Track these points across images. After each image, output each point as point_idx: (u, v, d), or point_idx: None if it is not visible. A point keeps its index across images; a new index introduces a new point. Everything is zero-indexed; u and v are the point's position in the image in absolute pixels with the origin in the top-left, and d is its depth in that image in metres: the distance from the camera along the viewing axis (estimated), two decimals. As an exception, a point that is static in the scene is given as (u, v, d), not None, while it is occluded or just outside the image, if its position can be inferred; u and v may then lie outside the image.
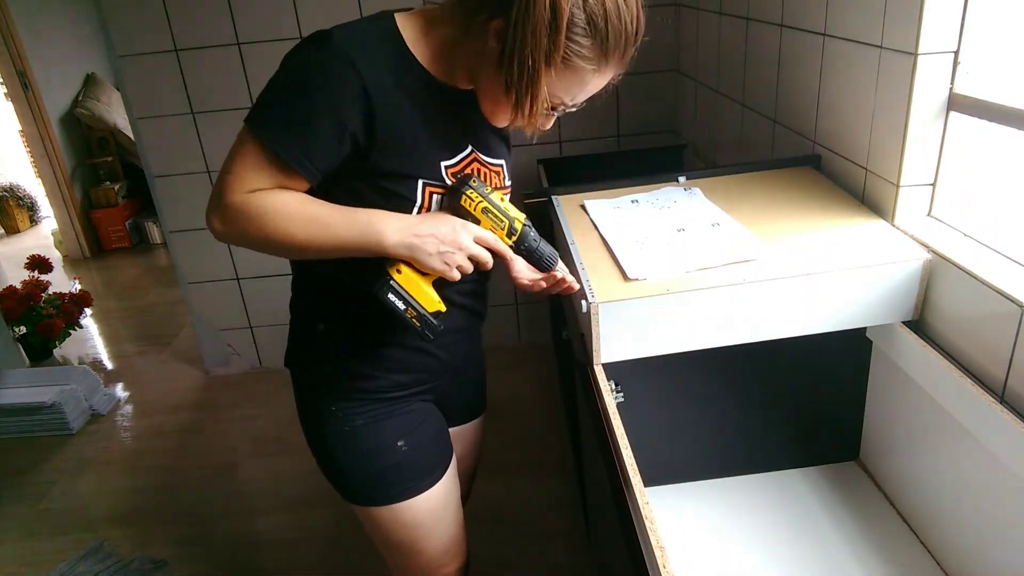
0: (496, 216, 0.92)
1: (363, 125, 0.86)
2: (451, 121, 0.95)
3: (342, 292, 1.02)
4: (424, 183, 0.92)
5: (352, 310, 1.02)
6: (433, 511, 1.12)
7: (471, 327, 1.13)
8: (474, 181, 0.92)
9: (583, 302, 1.03)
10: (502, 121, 0.93)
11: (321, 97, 0.85)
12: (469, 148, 0.98)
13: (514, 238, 0.94)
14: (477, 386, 1.33)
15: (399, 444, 1.07)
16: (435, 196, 0.94)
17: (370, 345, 1.04)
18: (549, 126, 0.93)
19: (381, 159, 0.89)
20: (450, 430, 1.21)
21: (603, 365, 1.08)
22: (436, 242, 0.89)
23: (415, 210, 0.93)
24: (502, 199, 0.93)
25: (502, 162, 1.05)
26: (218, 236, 0.91)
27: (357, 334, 1.04)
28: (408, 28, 0.92)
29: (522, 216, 0.95)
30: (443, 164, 0.94)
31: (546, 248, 0.97)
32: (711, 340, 1.07)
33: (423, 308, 0.92)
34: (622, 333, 1.04)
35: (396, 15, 0.93)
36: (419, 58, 0.91)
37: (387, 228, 0.88)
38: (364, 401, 1.06)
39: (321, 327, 1.06)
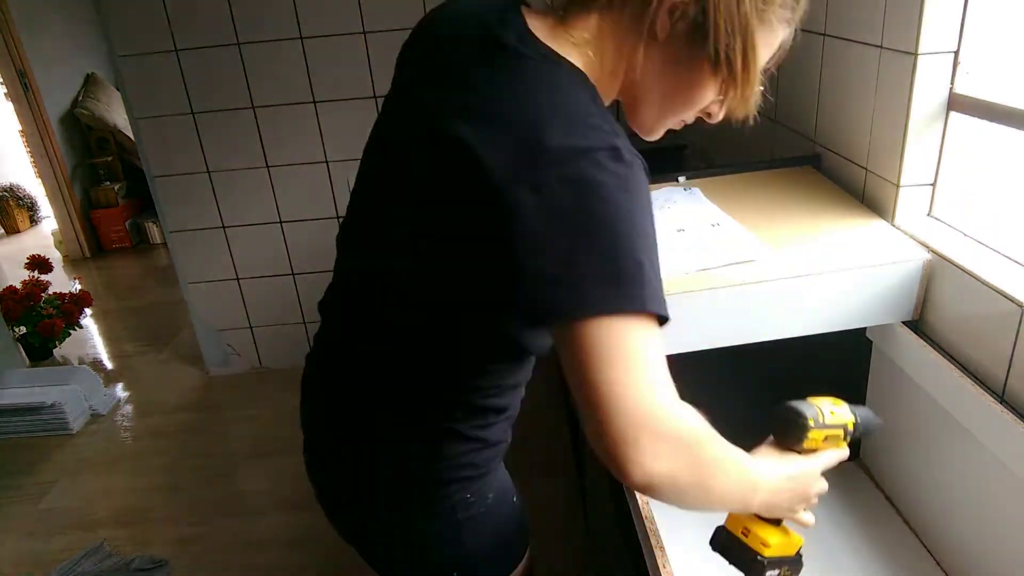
0: (834, 434, 0.82)
1: None
2: None
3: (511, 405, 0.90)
4: None
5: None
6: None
7: None
8: (809, 420, 0.80)
9: None
10: (670, 123, 0.79)
11: (650, 220, 0.63)
12: None
13: (848, 439, 0.84)
14: None
15: (514, 499, 0.96)
16: None
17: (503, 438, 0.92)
18: (721, 116, 0.78)
19: None
20: None
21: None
22: (798, 501, 0.78)
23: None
24: (832, 412, 0.82)
25: None
26: (654, 484, 0.61)
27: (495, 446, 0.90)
28: (586, 67, 0.70)
29: (847, 413, 0.84)
30: None
31: (873, 420, 0.86)
32: (711, 341, 1.07)
33: (791, 555, 0.82)
34: None
35: (561, 58, 0.69)
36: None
37: (762, 490, 0.73)
38: (491, 463, 0.90)
39: (479, 402, 0.86)
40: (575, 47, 0.70)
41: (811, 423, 0.79)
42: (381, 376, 0.84)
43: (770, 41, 0.72)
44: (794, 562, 0.82)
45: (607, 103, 0.73)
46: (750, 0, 0.66)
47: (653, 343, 0.60)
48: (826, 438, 0.81)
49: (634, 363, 0.59)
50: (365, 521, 0.92)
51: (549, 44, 0.69)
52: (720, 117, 0.79)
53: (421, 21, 0.82)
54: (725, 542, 0.82)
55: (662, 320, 0.61)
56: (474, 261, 0.69)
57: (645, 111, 0.76)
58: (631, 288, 0.59)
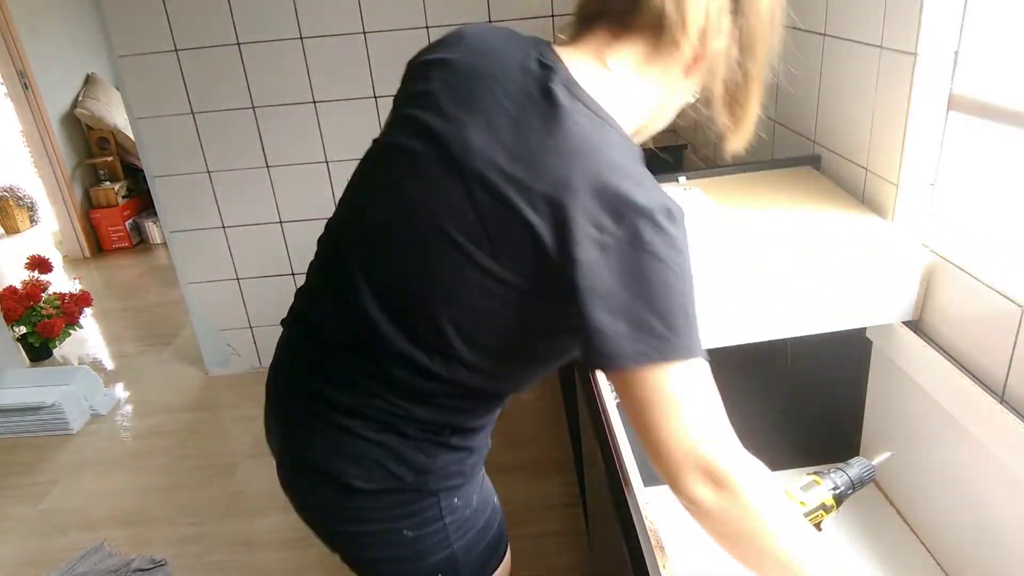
0: (811, 521, 0.87)
1: None
2: None
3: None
4: None
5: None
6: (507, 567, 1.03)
7: None
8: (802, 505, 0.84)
9: None
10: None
11: (691, 269, 0.69)
12: None
13: (831, 512, 0.89)
14: None
15: (495, 501, 0.98)
16: None
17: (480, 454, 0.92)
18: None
19: None
20: None
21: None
22: None
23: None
24: (802, 503, 0.86)
25: None
26: (701, 512, 0.66)
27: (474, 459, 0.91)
28: (609, 101, 0.73)
29: (824, 491, 0.87)
30: None
31: (866, 473, 0.92)
32: (711, 341, 1.07)
33: None
34: None
35: (588, 103, 0.71)
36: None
37: None
38: (476, 468, 0.92)
39: (454, 440, 0.86)
40: (619, 91, 0.74)
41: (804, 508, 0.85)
42: (366, 395, 0.82)
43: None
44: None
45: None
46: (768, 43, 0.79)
47: (698, 383, 0.66)
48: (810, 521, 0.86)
49: (678, 405, 0.65)
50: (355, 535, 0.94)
51: (592, 92, 0.72)
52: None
53: (446, 39, 0.80)
54: None
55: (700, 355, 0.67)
56: (527, 309, 0.72)
57: (648, 132, 0.82)
58: (680, 339, 0.65)
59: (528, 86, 0.71)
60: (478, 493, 0.92)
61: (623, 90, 0.75)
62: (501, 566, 1.00)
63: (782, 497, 0.71)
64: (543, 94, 0.70)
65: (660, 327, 0.64)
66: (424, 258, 0.75)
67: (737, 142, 0.81)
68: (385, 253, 0.78)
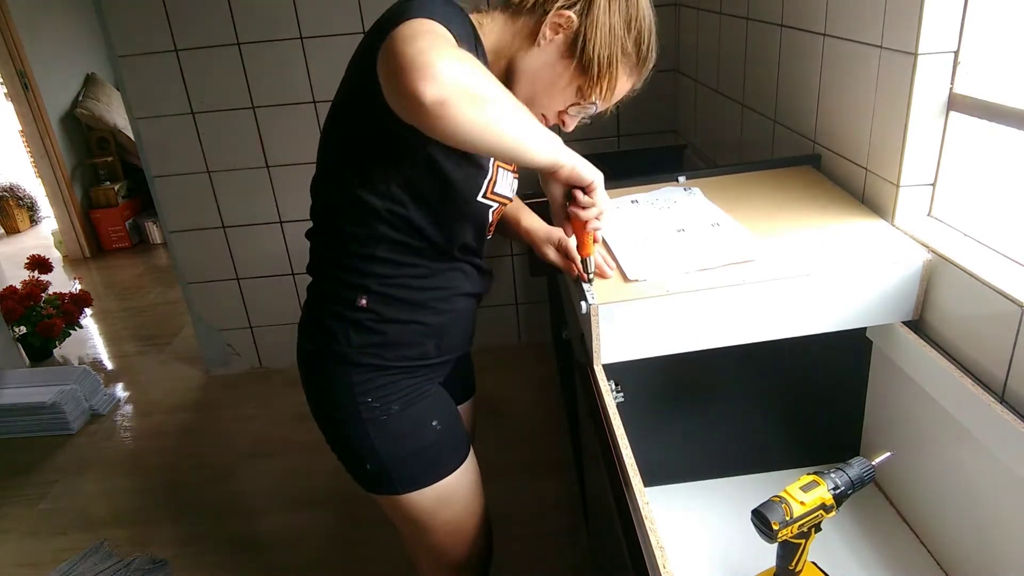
0: (811, 520, 0.89)
1: None
2: None
3: (378, 260, 1.01)
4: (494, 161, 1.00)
5: (391, 277, 1.03)
6: (469, 485, 1.17)
7: (472, 293, 1.15)
8: (774, 524, 0.87)
9: (583, 303, 1.03)
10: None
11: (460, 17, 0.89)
12: None
13: (832, 512, 0.90)
14: (470, 367, 1.39)
15: (434, 424, 1.11)
16: (501, 171, 1.03)
17: (409, 311, 1.05)
18: (572, 128, 1.03)
19: None
20: None
21: (603, 365, 1.08)
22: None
23: (486, 182, 1.00)
24: (802, 504, 0.89)
25: None
26: (431, 106, 0.74)
27: (395, 304, 1.04)
28: (481, 27, 0.97)
29: (823, 491, 0.90)
30: None
31: (865, 473, 0.93)
32: (711, 341, 1.07)
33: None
34: (622, 334, 1.04)
35: (472, 15, 0.96)
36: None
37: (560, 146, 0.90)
38: (398, 383, 1.07)
39: (363, 301, 1.02)
40: (484, 29, 0.97)
41: (776, 527, 0.86)
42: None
43: (627, 72, 0.98)
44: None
45: None
46: (621, 27, 0.94)
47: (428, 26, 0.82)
48: (801, 526, 0.87)
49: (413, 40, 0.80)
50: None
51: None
52: (572, 127, 1.02)
53: None
54: None
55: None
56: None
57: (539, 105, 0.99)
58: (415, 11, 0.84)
59: None
60: (401, 402, 1.07)
61: (489, 32, 0.98)
62: (438, 487, 1.12)
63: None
64: None
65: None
66: None
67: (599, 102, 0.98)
68: None
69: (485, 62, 0.93)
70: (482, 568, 1.31)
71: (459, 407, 1.30)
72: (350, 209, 0.99)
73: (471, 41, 0.88)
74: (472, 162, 0.97)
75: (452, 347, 1.13)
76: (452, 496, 1.15)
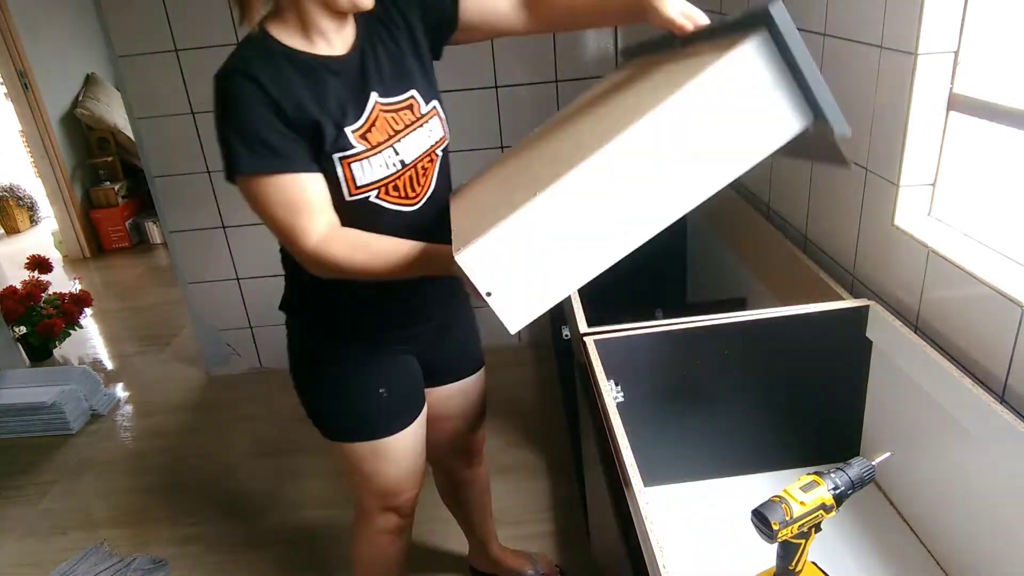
0: (811, 519, 0.88)
1: (278, 116, 0.96)
2: (340, 88, 1.01)
3: None
4: (340, 157, 1.00)
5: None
6: (400, 449, 1.27)
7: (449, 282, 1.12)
8: (774, 524, 0.86)
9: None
10: None
11: (243, 112, 0.96)
12: (371, 102, 1.04)
13: (832, 512, 0.90)
14: (467, 345, 1.42)
15: (380, 391, 1.21)
16: (353, 166, 1.01)
17: (351, 293, 1.14)
18: None
19: (309, 144, 0.99)
20: (446, 387, 1.38)
21: (603, 366, 1.07)
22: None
23: (342, 187, 1.02)
24: (802, 504, 0.87)
25: (410, 94, 1.09)
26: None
27: (342, 292, 1.15)
28: (272, 23, 1.01)
29: (823, 491, 0.88)
30: (349, 130, 1.01)
31: (865, 473, 0.91)
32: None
33: None
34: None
35: (266, 21, 1.02)
36: (286, 43, 1.00)
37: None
38: (351, 346, 1.20)
39: (306, 277, 1.10)
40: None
41: (776, 527, 0.86)
42: None
43: None
44: None
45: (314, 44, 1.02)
46: None
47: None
48: (801, 526, 0.87)
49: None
50: None
51: None
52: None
53: None
54: None
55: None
56: None
57: None
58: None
59: None
60: (355, 365, 1.20)
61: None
62: (367, 444, 1.23)
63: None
64: None
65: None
66: None
67: None
68: None
69: (288, 61, 0.99)
70: (412, 506, 1.40)
71: (455, 383, 1.41)
72: None
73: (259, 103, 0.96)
74: (328, 174, 1.03)
75: (398, 326, 1.22)
76: (383, 455, 1.25)
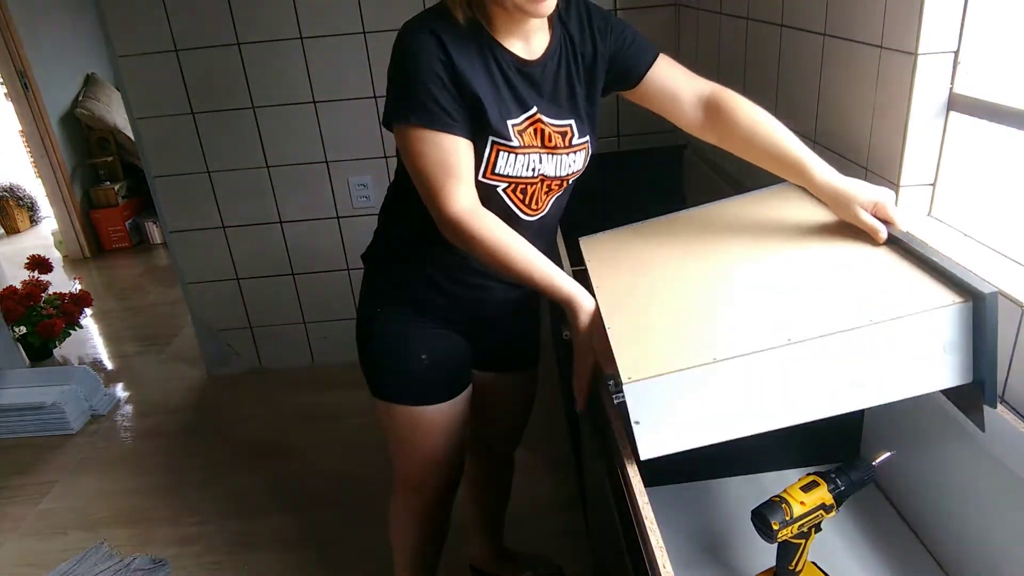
0: (811, 519, 0.90)
1: (451, 78, 1.00)
2: (512, 84, 1.05)
3: (428, 234, 1.10)
4: (494, 141, 1.03)
5: (430, 240, 1.12)
6: (429, 423, 1.29)
7: (502, 282, 1.22)
8: (774, 524, 0.88)
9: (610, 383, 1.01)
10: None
11: (417, 64, 1.00)
12: (533, 109, 1.07)
13: (832, 512, 0.92)
14: (518, 339, 1.46)
15: (422, 356, 1.25)
16: (501, 153, 1.04)
17: (424, 267, 1.21)
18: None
19: (469, 116, 1.01)
20: (489, 374, 1.43)
21: (602, 370, 1.07)
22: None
23: (483, 163, 1.04)
24: (802, 503, 0.89)
25: (569, 123, 1.12)
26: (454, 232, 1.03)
27: (417, 263, 1.21)
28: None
29: (824, 491, 0.91)
30: (510, 122, 1.04)
31: (866, 473, 0.95)
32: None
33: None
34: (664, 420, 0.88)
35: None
36: (490, 30, 1.03)
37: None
38: (405, 311, 1.24)
39: (396, 238, 1.22)
40: None
41: (776, 527, 0.87)
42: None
43: None
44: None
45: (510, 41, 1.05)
46: None
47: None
48: (801, 526, 0.88)
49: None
50: None
51: None
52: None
53: None
54: None
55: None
56: None
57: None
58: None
59: None
60: (403, 328, 1.25)
61: None
62: (410, 410, 1.27)
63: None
64: None
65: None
66: None
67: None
68: None
69: (488, 48, 1.03)
70: (437, 498, 1.42)
71: (499, 374, 1.46)
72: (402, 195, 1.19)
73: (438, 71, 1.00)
74: (478, 148, 1.05)
75: (454, 309, 1.25)
76: (413, 423, 1.28)
